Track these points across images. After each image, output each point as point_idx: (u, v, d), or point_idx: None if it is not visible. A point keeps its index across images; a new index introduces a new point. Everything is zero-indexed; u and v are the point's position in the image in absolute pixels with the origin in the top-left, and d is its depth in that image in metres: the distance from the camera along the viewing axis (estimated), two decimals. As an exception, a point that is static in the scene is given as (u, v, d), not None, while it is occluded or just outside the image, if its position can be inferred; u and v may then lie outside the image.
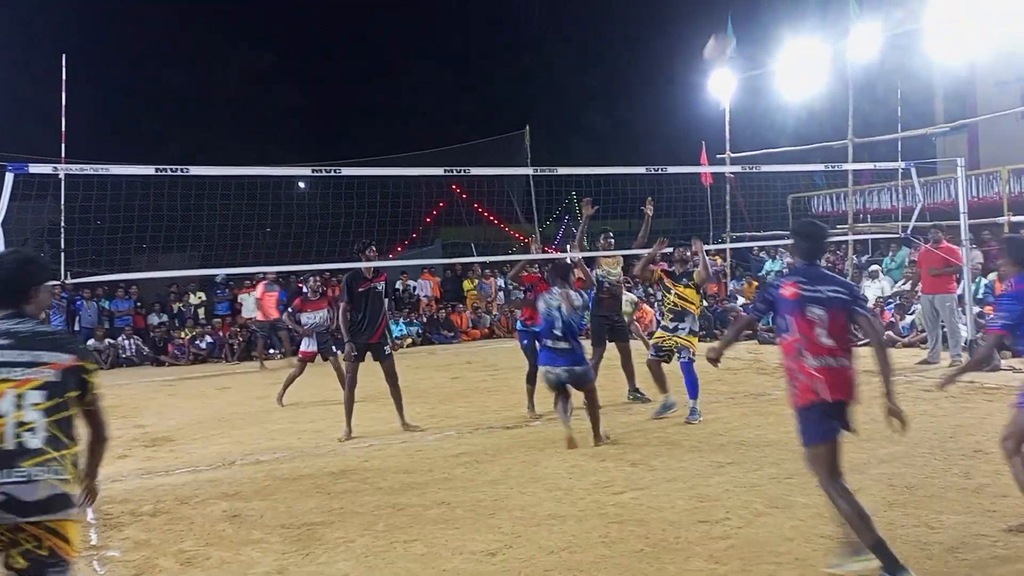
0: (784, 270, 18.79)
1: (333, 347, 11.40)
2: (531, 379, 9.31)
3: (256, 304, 16.73)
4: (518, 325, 10.04)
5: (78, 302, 18.52)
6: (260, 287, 16.49)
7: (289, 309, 11.54)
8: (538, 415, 9.16)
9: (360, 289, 8.81)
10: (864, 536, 4.13)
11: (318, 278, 11.74)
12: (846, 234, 17.26)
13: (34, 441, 3.14)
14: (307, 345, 11.41)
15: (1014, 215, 16.62)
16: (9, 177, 8.16)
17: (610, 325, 9.96)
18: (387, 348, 9.02)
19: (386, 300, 9.34)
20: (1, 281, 3.35)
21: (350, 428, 8.63)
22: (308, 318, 11.35)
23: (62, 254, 10.21)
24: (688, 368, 8.68)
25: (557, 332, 7.61)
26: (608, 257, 10.24)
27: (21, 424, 3.13)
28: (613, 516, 5.47)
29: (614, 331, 10.01)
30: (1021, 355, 10.01)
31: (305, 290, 11.73)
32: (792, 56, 19.26)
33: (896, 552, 4.12)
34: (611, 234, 10.44)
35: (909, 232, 13.71)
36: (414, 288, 22.27)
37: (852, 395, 4.34)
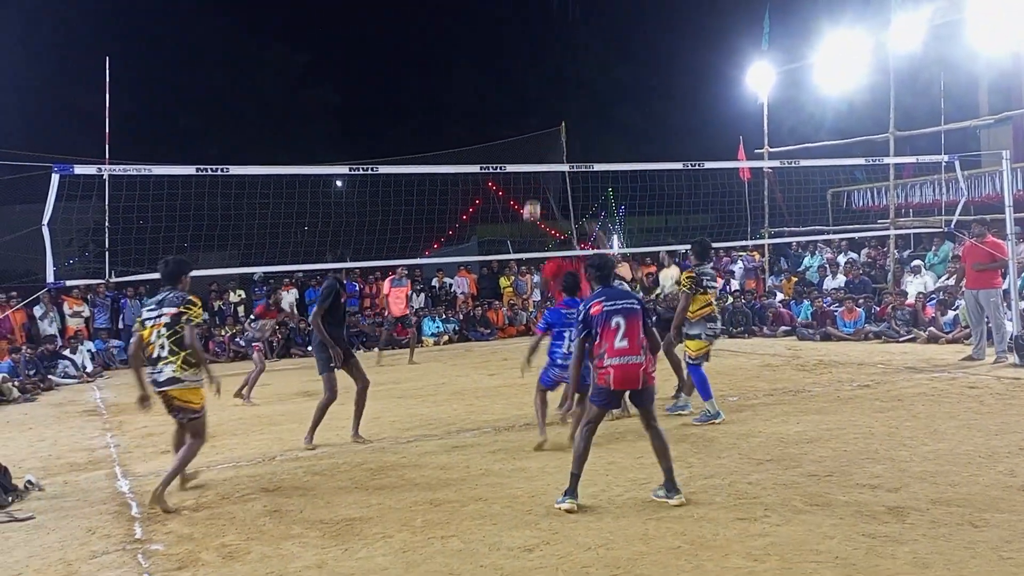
0: (825, 265, 18.57)
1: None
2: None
3: (384, 301, 16.69)
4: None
5: (122, 300, 18.84)
6: (387, 283, 16.35)
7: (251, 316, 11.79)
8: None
9: (342, 299, 8.51)
10: (574, 466, 5.66)
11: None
12: (887, 229, 17.01)
13: (163, 351, 6.18)
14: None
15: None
16: (55, 178, 8.35)
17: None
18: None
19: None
20: (169, 272, 6.41)
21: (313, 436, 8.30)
22: None
23: (106, 253, 10.39)
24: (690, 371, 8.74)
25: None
26: (666, 268, 11.43)
27: (160, 344, 6.19)
28: (650, 513, 5.45)
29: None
30: None
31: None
32: (832, 48, 19.02)
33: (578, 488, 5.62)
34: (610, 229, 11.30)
35: (952, 226, 13.47)
36: (450, 285, 22.36)
37: (637, 384, 5.62)
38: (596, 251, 6.27)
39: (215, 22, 35.26)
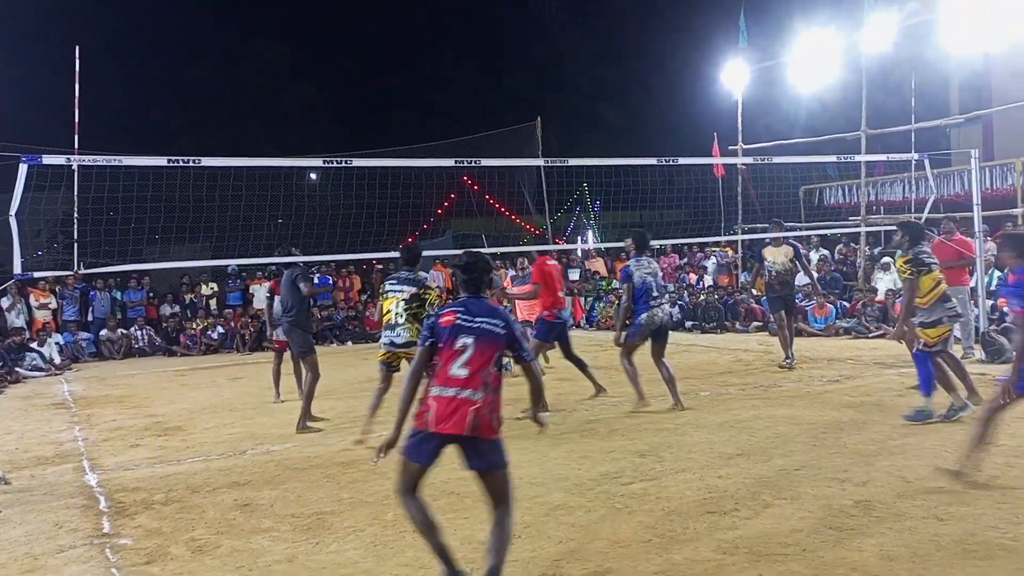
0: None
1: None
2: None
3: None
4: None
5: (91, 292, 18.63)
6: (507, 279, 15.68)
7: (267, 293, 11.31)
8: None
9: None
10: (427, 540, 4.20)
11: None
12: (859, 226, 17.19)
13: (400, 319, 7.53)
14: (280, 334, 10.63)
15: (1028, 207, 16.53)
16: (23, 168, 8.23)
17: (783, 301, 11.60)
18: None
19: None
20: (410, 256, 7.85)
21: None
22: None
23: (75, 245, 10.26)
24: None
25: (656, 293, 8.87)
26: (772, 246, 11.70)
27: (397, 313, 7.53)
28: (622, 506, 5.48)
29: (787, 305, 11.63)
30: None
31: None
32: (805, 47, 19.18)
33: (456, 560, 4.20)
34: (782, 222, 12.18)
35: (922, 224, 13.62)
36: (425, 279, 22.30)
37: (462, 427, 4.03)
38: (470, 250, 4.79)
39: (191, 14, 34.95)
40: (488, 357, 4.17)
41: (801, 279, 17.87)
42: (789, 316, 11.65)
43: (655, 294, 8.89)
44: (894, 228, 8.63)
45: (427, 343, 4.30)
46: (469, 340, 4.18)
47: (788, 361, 11.45)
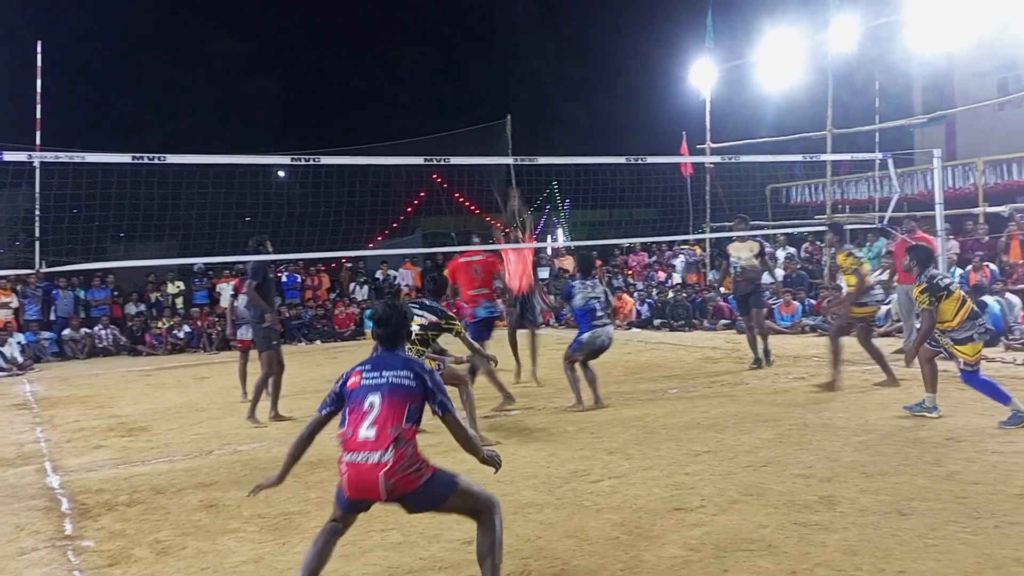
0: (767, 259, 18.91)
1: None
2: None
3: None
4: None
5: (54, 291, 18.35)
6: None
7: (232, 292, 11.27)
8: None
9: (271, 276, 9.13)
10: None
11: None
12: (824, 224, 17.36)
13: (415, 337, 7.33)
14: (244, 333, 10.71)
15: (989, 206, 16.83)
16: (-18, 164, 8.07)
17: (745, 301, 11.59)
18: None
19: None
20: (437, 287, 8.00)
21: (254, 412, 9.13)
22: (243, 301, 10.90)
23: (37, 243, 10.09)
24: None
25: (600, 314, 8.97)
26: (738, 242, 11.54)
27: (416, 334, 7.31)
28: (590, 504, 5.50)
29: (749, 303, 11.53)
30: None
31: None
32: (772, 47, 19.36)
33: None
34: (747, 218, 12.06)
35: (885, 222, 13.81)
36: (395, 278, 22.25)
37: (376, 492, 3.82)
38: (388, 302, 4.52)
39: (155, 8, 34.50)
40: (399, 413, 3.89)
41: (768, 277, 18.13)
42: (758, 314, 11.58)
43: (599, 314, 8.96)
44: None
45: (325, 411, 4.12)
46: (375, 398, 3.92)
47: (757, 363, 11.36)
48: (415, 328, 7.29)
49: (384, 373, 4.00)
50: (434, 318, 7.47)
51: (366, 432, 3.85)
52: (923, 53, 18.89)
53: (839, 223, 10.34)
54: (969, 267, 14.58)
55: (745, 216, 12.12)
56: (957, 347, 7.41)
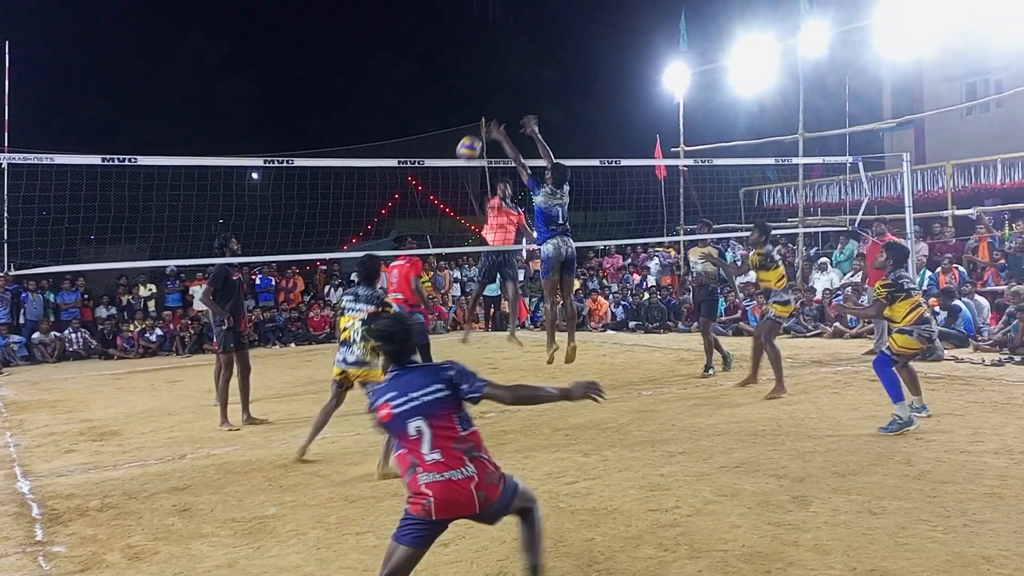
0: (737, 261, 19.04)
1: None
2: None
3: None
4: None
5: (23, 294, 18.10)
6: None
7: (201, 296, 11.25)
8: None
9: (232, 279, 9.14)
10: None
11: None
12: (797, 227, 17.55)
13: (357, 336, 7.02)
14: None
15: (958, 209, 17.08)
16: (-51, 166, 7.95)
17: (698, 306, 11.52)
18: (247, 338, 9.53)
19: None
20: (368, 273, 7.32)
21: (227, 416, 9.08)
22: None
23: (5, 245, 9.95)
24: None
25: (561, 221, 8.95)
26: (698, 247, 11.37)
27: (356, 330, 7.02)
28: (565, 506, 5.51)
29: (701, 311, 11.34)
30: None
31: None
32: (744, 51, 19.53)
33: None
34: (710, 223, 11.90)
35: (856, 225, 13.98)
36: (382, 295, 22.13)
37: (475, 507, 3.74)
38: (391, 315, 5.10)
39: (127, 8, 34.16)
40: (451, 428, 3.77)
41: (740, 279, 18.25)
42: (705, 323, 11.20)
43: (560, 222, 8.93)
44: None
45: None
46: (419, 423, 3.75)
47: (710, 371, 11.05)
48: (358, 325, 7.00)
49: (412, 396, 3.80)
50: (372, 308, 7.03)
51: (432, 455, 3.72)
52: (892, 58, 19.14)
53: (766, 223, 10.47)
54: (938, 269, 14.77)
55: (708, 220, 11.93)
56: (893, 336, 7.54)
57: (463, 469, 3.72)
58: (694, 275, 11.31)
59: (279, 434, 8.46)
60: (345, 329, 7.17)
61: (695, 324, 17.17)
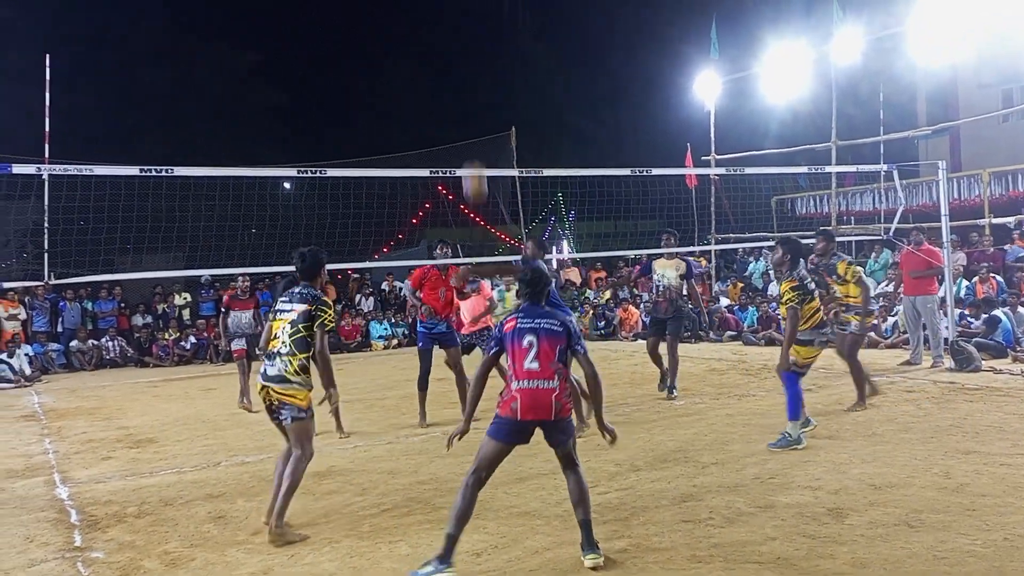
0: (769, 271, 18.89)
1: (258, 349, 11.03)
2: (423, 385, 9.12)
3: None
4: (418, 326, 9.53)
5: (61, 303, 18.41)
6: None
7: (222, 308, 11.39)
8: (428, 424, 9.09)
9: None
10: (450, 525, 4.59)
11: (247, 278, 11.45)
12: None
13: (283, 348, 5.58)
14: (238, 344, 10.96)
15: (995, 217, 16.83)
16: (-8, 177, 8.13)
17: (663, 325, 10.32)
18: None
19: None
20: (307, 267, 5.81)
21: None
22: (235, 317, 11.04)
23: (45, 255, 10.14)
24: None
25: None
26: (665, 259, 10.47)
27: (282, 341, 5.60)
28: (598, 516, 5.47)
29: (669, 328, 10.28)
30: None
31: (236, 290, 11.37)
32: (776, 59, 19.42)
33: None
34: (676, 233, 10.73)
35: (891, 234, 13.82)
36: (400, 289, 22.26)
37: (548, 413, 4.68)
38: (534, 267, 5.28)
39: (161, 22, 34.75)
40: (553, 352, 4.75)
41: (774, 288, 18.11)
42: (673, 341, 10.24)
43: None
44: (774, 244, 8.10)
45: (493, 352, 4.92)
46: (533, 338, 4.77)
47: (669, 390, 10.21)
48: (286, 331, 5.60)
49: (536, 320, 4.85)
50: (303, 306, 5.63)
51: (531, 364, 4.71)
52: (927, 65, 18.92)
53: (829, 230, 10.07)
54: (975, 279, 14.56)
55: (674, 231, 10.93)
56: (796, 347, 7.42)
57: (550, 381, 4.69)
58: (660, 289, 10.34)
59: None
60: (275, 337, 5.69)
61: (728, 333, 17.13)
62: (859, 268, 9.12)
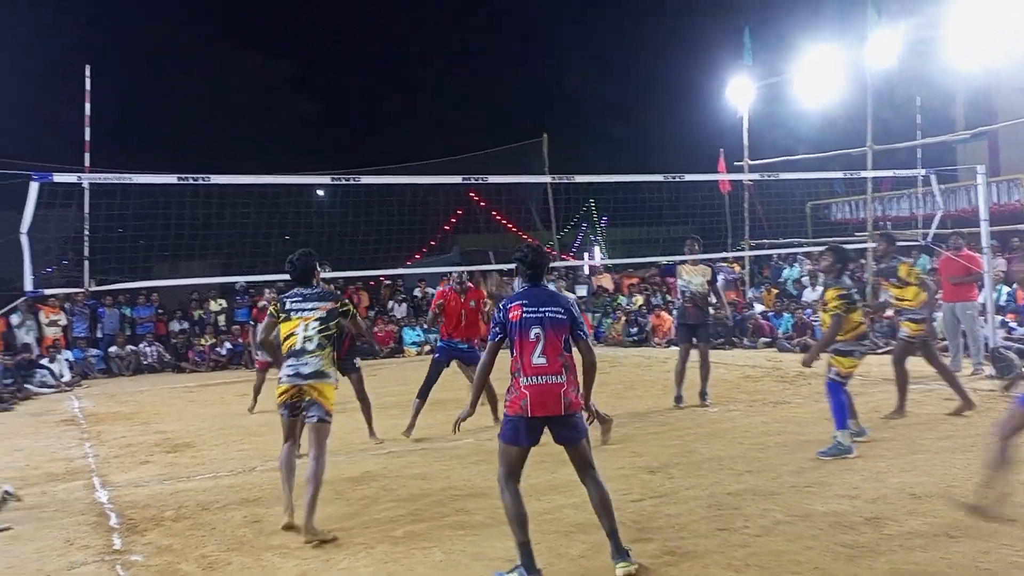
0: (803, 278, 18.69)
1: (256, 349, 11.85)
2: (423, 394, 8.99)
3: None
4: (439, 341, 9.49)
5: (100, 309, 18.71)
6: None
7: (251, 321, 11.65)
8: (414, 438, 8.85)
9: None
10: (514, 532, 4.58)
11: (273, 291, 11.66)
12: (866, 242, 17.17)
13: (310, 345, 5.83)
14: (264, 355, 10.91)
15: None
16: (34, 186, 8.29)
17: (693, 330, 10.16)
18: (356, 361, 8.95)
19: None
20: (300, 270, 6.05)
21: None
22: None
23: (85, 262, 10.32)
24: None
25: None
26: (691, 265, 10.34)
27: (306, 338, 5.84)
28: (632, 524, 5.47)
29: (697, 333, 10.17)
30: None
31: (263, 303, 11.69)
32: (810, 63, 19.24)
33: (536, 557, 4.57)
34: (699, 239, 10.68)
35: (929, 239, 13.63)
36: (433, 295, 22.36)
37: (558, 408, 4.63)
38: (529, 243, 5.05)
39: (198, 33, 35.32)
40: (560, 343, 4.70)
41: (809, 294, 17.94)
42: (704, 348, 10.15)
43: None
44: (822, 250, 8.06)
45: (498, 338, 4.83)
46: (539, 330, 4.67)
47: (679, 401, 10.11)
48: (313, 328, 5.86)
49: (541, 309, 4.74)
50: (328, 304, 5.97)
51: (538, 359, 4.64)
52: (964, 68, 18.64)
53: (890, 233, 9.84)
54: (1015, 285, 14.31)
55: (698, 237, 10.91)
56: (838, 357, 7.38)
57: (558, 376, 4.64)
58: (687, 295, 10.15)
59: (346, 448, 8.55)
60: (291, 335, 5.87)
61: (762, 340, 16.97)
62: (920, 271, 8.79)
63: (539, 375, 4.63)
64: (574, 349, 4.84)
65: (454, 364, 9.24)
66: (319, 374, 5.79)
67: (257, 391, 11.59)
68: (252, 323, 11.53)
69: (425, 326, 18.54)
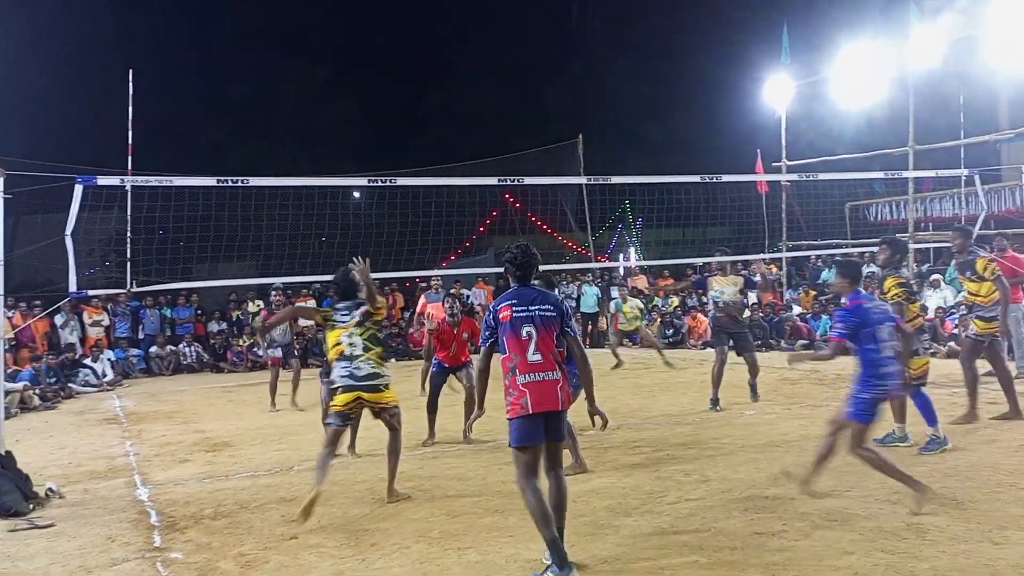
0: (904, 288, 18.43)
1: (291, 359, 12.61)
2: (432, 408, 8.84)
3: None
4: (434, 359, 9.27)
5: (142, 310, 19.00)
6: (422, 299, 15.11)
7: (260, 319, 12.05)
8: (435, 442, 8.73)
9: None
10: (542, 531, 4.59)
11: (280, 293, 12.12)
12: (907, 243, 16.93)
13: (356, 350, 6.28)
14: (274, 352, 12.58)
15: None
16: (78, 189, 8.45)
17: (729, 336, 10.14)
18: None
19: None
20: (344, 288, 6.62)
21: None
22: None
23: (128, 263, 10.49)
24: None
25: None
26: (721, 275, 10.26)
27: (351, 344, 6.29)
28: (667, 526, 5.44)
29: (734, 338, 10.15)
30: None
31: (272, 303, 12.15)
32: (850, 62, 19.00)
33: (567, 551, 4.58)
34: (728, 250, 10.64)
35: (974, 241, 13.38)
36: (467, 297, 22.39)
37: (556, 403, 4.72)
38: (518, 244, 5.02)
39: (238, 35, 35.70)
40: (551, 338, 4.76)
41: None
42: (750, 354, 10.07)
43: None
44: (879, 244, 7.94)
45: (489, 342, 4.87)
46: (531, 328, 4.73)
47: (715, 404, 10.02)
48: (354, 333, 6.33)
49: (530, 308, 4.79)
50: (364, 307, 6.40)
51: (534, 356, 4.70)
52: (1008, 67, 18.26)
53: (967, 227, 9.51)
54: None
55: (727, 248, 10.87)
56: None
57: (553, 372, 4.72)
58: (720, 305, 10.07)
59: (381, 448, 8.57)
60: (338, 344, 6.35)
61: (799, 343, 16.78)
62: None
63: (536, 372, 4.69)
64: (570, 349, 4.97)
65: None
66: (374, 375, 6.29)
67: (273, 389, 12.04)
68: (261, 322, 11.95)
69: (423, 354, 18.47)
